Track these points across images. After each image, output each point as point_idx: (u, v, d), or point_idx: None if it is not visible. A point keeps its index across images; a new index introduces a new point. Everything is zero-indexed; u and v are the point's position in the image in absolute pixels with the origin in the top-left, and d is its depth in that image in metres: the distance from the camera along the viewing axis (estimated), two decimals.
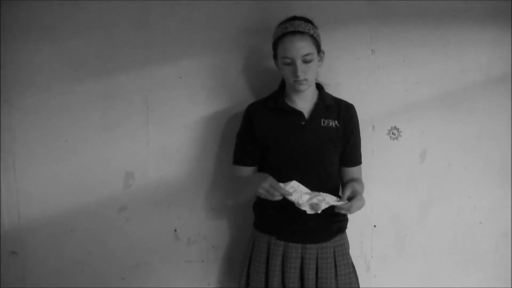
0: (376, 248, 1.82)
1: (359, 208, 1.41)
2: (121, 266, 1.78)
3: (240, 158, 1.59)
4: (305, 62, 1.43)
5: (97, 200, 1.74)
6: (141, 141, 1.73)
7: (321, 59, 1.51)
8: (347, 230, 1.61)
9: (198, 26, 1.71)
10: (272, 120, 1.52)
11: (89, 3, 1.68)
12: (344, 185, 1.55)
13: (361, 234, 1.81)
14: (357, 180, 1.59)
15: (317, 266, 1.50)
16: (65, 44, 1.69)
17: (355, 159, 1.59)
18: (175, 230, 1.77)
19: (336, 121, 1.52)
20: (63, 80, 1.70)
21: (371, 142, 1.77)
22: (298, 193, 1.38)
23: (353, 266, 1.59)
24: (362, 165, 1.64)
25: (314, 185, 1.43)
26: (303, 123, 1.51)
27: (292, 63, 1.44)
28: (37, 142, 1.72)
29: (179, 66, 1.71)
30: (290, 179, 1.40)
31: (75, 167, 1.73)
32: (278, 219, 1.51)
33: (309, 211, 1.39)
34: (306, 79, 1.45)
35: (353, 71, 1.75)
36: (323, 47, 1.53)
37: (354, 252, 1.71)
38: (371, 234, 1.82)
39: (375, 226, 1.82)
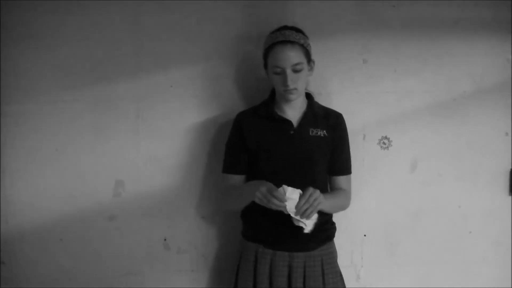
0: (366, 257, 1.82)
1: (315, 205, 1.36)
2: (111, 275, 1.76)
3: (230, 166, 1.59)
4: (295, 71, 1.43)
5: (86, 209, 1.73)
6: (132, 150, 1.72)
7: (311, 68, 1.51)
8: (337, 240, 1.61)
9: (190, 34, 1.70)
10: (262, 128, 1.52)
11: (81, 12, 1.67)
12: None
13: (351, 244, 1.81)
14: (343, 190, 1.59)
15: (304, 275, 1.50)
16: (56, 52, 1.68)
17: (344, 168, 1.59)
18: (165, 239, 1.76)
19: (324, 131, 1.53)
20: (53, 88, 1.69)
21: (361, 152, 1.77)
22: (291, 202, 1.36)
23: (340, 275, 1.59)
24: (352, 174, 1.64)
25: None
26: (291, 132, 1.51)
27: (282, 73, 1.44)
28: (27, 150, 1.71)
29: (170, 74, 1.71)
30: (279, 187, 1.38)
31: (65, 175, 1.72)
32: (266, 227, 1.50)
33: (299, 223, 1.38)
34: (295, 88, 1.45)
35: (345, 80, 1.76)
36: (315, 56, 1.53)
37: (344, 262, 1.72)
38: (361, 243, 1.82)
39: (365, 235, 1.81)
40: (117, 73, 1.69)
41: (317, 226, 1.47)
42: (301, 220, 1.36)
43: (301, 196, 1.35)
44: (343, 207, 1.61)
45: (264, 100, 1.60)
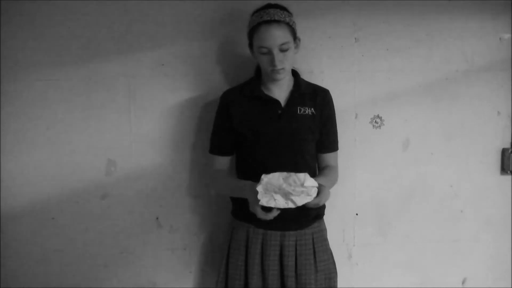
0: (358, 236, 1.83)
1: (326, 200, 1.41)
2: (103, 253, 1.77)
3: (216, 147, 1.58)
4: (282, 51, 1.43)
5: (78, 188, 1.74)
6: (123, 129, 1.72)
7: (297, 46, 1.50)
8: (329, 218, 1.62)
9: (179, 14, 1.69)
10: (249, 108, 1.52)
11: None
12: (320, 171, 1.55)
13: (343, 223, 1.82)
14: (332, 168, 1.59)
15: (296, 253, 1.50)
16: (46, 30, 1.67)
17: (331, 145, 1.59)
18: (157, 218, 1.77)
19: (312, 109, 1.52)
20: (44, 67, 1.69)
21: (353, 131, 1.77)
22: (269, 197, 1.33)
23: (331, 253, 1.60)
24: (344, 153, 1.65)
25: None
26: (279, 111, 1.50)
27: (269, 53, 1.43)
28: (18, 129, 1.70)
29: (160, 53, 1.70)
30: (267, 167, 1.37)
31: (56, 154, 1.72)
32: None
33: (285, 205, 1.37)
34: (283, 68, 1.44)
35: (337, 59, 1.75)
36: (306, 35, 1.54)
37: (336, 241, 1.73)
38: (353, 222, 1.82)
39: (357, 214, 1.82)
40: (108, 52, 1.69)
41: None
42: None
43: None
44: (335, 183, 1.61)
45: (250, 78, 1.59)
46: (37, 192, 1.73)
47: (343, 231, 1.82)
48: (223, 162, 1.58)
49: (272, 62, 1.42)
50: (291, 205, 1.34)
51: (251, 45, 1.50)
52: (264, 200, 1.32)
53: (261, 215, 1.36)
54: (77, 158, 1.72)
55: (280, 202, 1.33)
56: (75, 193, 1.74)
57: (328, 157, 1.59)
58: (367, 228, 1.83)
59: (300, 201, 1.33)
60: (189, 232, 1.79)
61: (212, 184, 1.70)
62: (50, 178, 1.72)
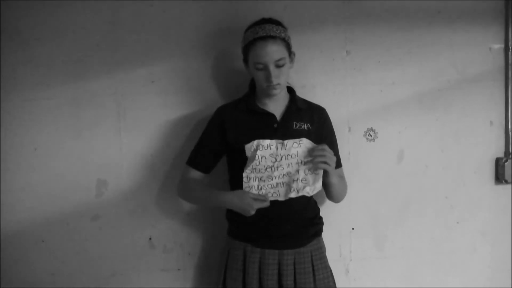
0: (355, 251, 1.80)
1: (332, 160, 1.39)
2: (96, 276, 1.73)
3: (195, 160, 1.56)
4: (278, 66, 1.42)
5: (69, 210, 1.70)
6: (114, 148, 1.70)
7: (292, 60, 1.49)
8: (325, 233, 1.60)
9: (170, 29, 1.68)
10: (244, 123, 1.50)
11: (57, 9, 1.64)
12: (331, 192, 1.54)
13: (339, 237, 1.79)
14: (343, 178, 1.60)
15: (295, 272, 1.47)
16: (31, 48, 1.65)
17: (336, 162, 1.55)
18: (150, 238, 1.74)
19: (308, 124, 1.51)
20: (30, 86, 1.66)
21: (347, 144, 1.76)
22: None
23: (330, 270, 1.57)
24: None
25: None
26: (275, 125, 1.49)
27: (265, 68, 1.42)
28: (5, 150, 1.67)
29: (151, 70, 1.69)
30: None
31: (45, 175, 1.68)
32: (253, 224, 1.48)
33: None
34: (279, 83, 1.43)
35: (329, 72, 1.74)
36: (298, 49, 1.52)
37: (333, 256, 1.70)
38: (349, 236, 1.80)
39: (353, 228, 1.80)
40: (96, 69, 1.67)
41: (305, 221, 1.49)
42: (305, 180, 1.36)
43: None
44: (344, 191, 1.59)
45: (245, 94, 1.57)
46: (25, 213, 1.69)
47: (340, 246, 1.80)
48: (197, 177, 1.56)
49: (268, 78, 1.41)
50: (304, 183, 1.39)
51: (245, 60, 1.49)
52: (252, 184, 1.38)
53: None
54: (66, 179, 1.69)
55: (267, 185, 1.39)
56: (65, 214, 1.70)
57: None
58: (364, 242, 1.81)
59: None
60: (183, 252, 1.75)
61: (182, 192, 1.63)
62: (39, 200, 1.69)
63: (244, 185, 1.39)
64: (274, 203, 1.43)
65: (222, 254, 1.59)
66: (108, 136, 1.69)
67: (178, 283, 1.76)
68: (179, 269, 1.75)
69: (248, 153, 1.39)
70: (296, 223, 1.48)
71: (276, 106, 1.52)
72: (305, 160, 1.38)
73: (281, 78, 1.43)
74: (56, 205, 1.69)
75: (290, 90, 1.58)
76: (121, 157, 1.70)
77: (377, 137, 1.77)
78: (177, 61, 1.69)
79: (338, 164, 1.58)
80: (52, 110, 1.67)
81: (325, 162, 1.38)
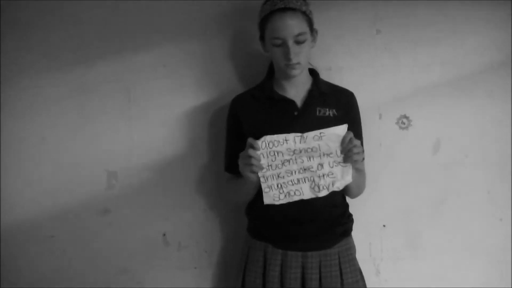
0: (386, 250, 1.67)
1: (362, 156, 1.26)
2: (106, 274, 1.64)
3: (231, 165, 1.42)
4: (298, 43, 1.29)
5: (77, 203, 1.62)
6: (124, 138, 1.60)
7: (314, 39, 1.36)
8: (354, 232, 1.47)
9: (181, 8, 1.57)
10: (261, 112, 1.37)
11: None
12: (346, 187, 1.37)
13: (369, 235, 1.66)
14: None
15: (320, 276, 1.34)
16: (36, 35, 1.57)
17: None
18: (164, 235, 1.64)
19: (334, 110, 1.37)
20: (36, 73, 1.58)
21: (377, 133, 1.62)
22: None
23: (360, 273, 1.43)
24: (368, 158, 1.48)
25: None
26: (295, 113, 1.35)
27: (283, 44, 1.29)
28: (11, 140, 1.59)
29: (162, 53, 1.58)
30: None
31: (52, 167, 1.60)
32: (275, 224, 1.36)
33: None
34: (299, 63, 1.30)
35: (357, 53, 1.61)
36: (322, 27, 1.40)
37: (362, 256, 1.55)
38: (380, 234, 1.66)
39: (384, 225, 1.67)
40: (102, 54, 1.57)
41: (332, 220, 1.36)
42: (331, 174, 1.25)
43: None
44: (362, 185, 1.46)
45: (262, 80, 1.45)
46: (33, 207, 1.61)
47: (370, 245, 1.66)
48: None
49: (286, 55, 1.28)
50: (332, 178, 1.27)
51: (262, 37, 1.37)
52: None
53: (246, 166, 1.25)
54: (75, 171, 1.60)
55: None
56: (74, 208, 1.62)
57: None
58: (396, 240, 1.67)
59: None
60: (199, 250, 1.65)
61: (227, 196, 1.57)
62: (47, 193, 1.61)
63: (263, 185, 1.26)
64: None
65: (241, 253, 1.47)
66: (118, 125, 1.60)
67: (194, 282, 1.66)
68: (195, 268, 1.65)
69: (260, 150, 1.25)
70: (321, 223, 1.35)
71: (297, 91, 1.39)
72: (328, 152, 1.24)
73: (301, 57, 1.30)
74: (64, 198, 1.61)
75: (313, 73, 1.45)
76: (132, 147, 1.60)
77: (411, 125, 1.63)
78: (189, 42, 1.58)
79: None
80: (59, 98, 1.58)
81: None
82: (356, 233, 1.48)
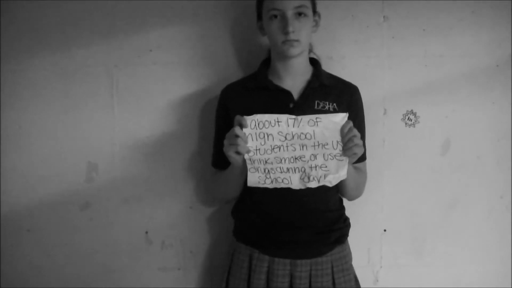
0: (386, 256, 1.55)
1: (361, 149, 1.13)
2: (85, 272, 1.55)
3: (218, 160, 1.32)
4: (298, 15, 1.18)
5: (56, 196, 1.52)
6: (106, 127, 1.50)
7: (316, 23, 1.26)
8: (351, 236, 1.36)
9: None
10: (252, 103, 1.25)
11: None
12: (342, 186, 1.26)
13: (369, 240, 1.54)
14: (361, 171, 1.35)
15: (310, 286, 1.22)
16: (14, 14, 1.45)
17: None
18: (147, 232, 1.54)
19: (335, 104, 1.25)
20: (14, 56, 1.47)
21: (382, 130, 1.51)
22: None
23: (356, 281, 1.32)
24: (370, 157, 1.38)
25: (303, 189, 1.17)
26: (291, 105, 1.23)
27: (282, 17, 1.18)
28: None
29: (149, 37, 1.47)
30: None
31: (30, 157, 1.50)
32: (262, 227, 1.25)
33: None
34: (298, 40, 1.19)
35: (362, 42, 1.49)
36: (324, 12, 1.30)
37: (359, 262, 1.46)
38: (380, 239, 1.55)
39: (385, 230, 1.55)
40: (86, 36, 1.46)
41: (327, 225, 1.25)
42: (325, 167, 1.14)
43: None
44: (361, 187, 1.35)
45: (257, 69, 1.34)
46: (9, 200, 1.52)
47: (368, 251, 1.55)
48: None
49: (284, 28, 1.17)
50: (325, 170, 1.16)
51: (260, 16, 1.26)
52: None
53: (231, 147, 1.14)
54: (53, 162, 1.50)
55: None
56: (51, 201, 1.52)
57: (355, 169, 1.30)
58: (398, 246, 1.56)
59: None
60: (184, 250, 1.55)
61: (215, 192, 1.46)
62: (23, 185, 1.51)
63: (248, 166, 1.15)
64: (285, 201, 1.21)
65: (226, 257, 1.37)
66: (100, 113, 1.49)
67: (178, 284, 1.55)
68: (179, 269, 1.55)
69: (249, 130, 1.13)
70: (314, 228, 1.23)
71: (295, 81, 1.27)
72: (324, 143, 1.13)
73: (302, 34, 1.19)
74: (42, 190, 1.51)
75: (314, 62, 1.33)
76: (114, 138, 1.50)
77: (419, 121, 1.52)
78: (179, 26, 1.47)
79: (362, 157, 1.32)
80: (36, 83, 1.47)
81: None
82: (354, 238, 1.37)
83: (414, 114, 1.51)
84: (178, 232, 1.54)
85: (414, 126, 1.51)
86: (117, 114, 1.49)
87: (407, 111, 1.51)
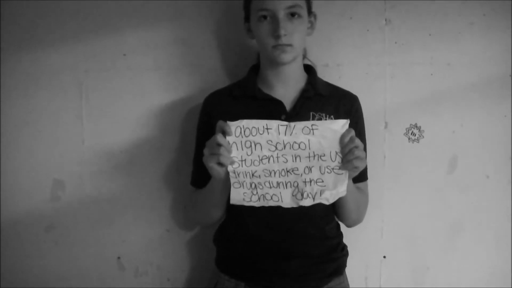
0: (386, 285, 1.44)
1: (363, 162, 1.01)
2: None
3: (198, 178, 1.21)
4: (291, 16, 1.08)
5: (17, 216, 1.39)
6: (74, 140, 1.38)
7: (311, 25, 1.17)
8: (347, 264, 1.24)
9: None
10: (239, 114, 1.10)
11: None
12: (340, 207, 1.15)
13: (366, 268, 1.43)
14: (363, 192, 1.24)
15: None
16: None
17: (360, 173, 1.15)
18: (119, 258, 1.41)
19: (332, 116, 1.14)
20: None
21: (382, 145, 1.41)
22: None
23: None
24: (370, 175, 1.27)
25: (296, 212, 1.05)
26: (282, 117, 1.12)
27: (272, 18, 1.07)
28: None
29: (122, 39, 1.36)
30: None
31: None
32: (248, 256, 1.13)
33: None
34: (291, 44, 1.08)
35: (361, 47, 1.39)
36: (320, 14, 1.20)
37: None
38: (379, 267, 1.43)
39: (384, 257, 1.44)
40: (52, 39, 1.34)
41: (322, 255, 1.14)
42: (321, 182, 1.03)
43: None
44: (361, 209, 1.24)
45: (245, 76, 1.23)
46: None
47: (366, 280, 1.43)
48: None
49: (275, 29, 1.06)
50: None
51: (247, 18, 1.15)
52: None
53: (212, 157, 1.02)
54: (14, 178, 1.37)
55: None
56: (13, 222, 1.39)
57: None
58: (398, 274, 1.45)
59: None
60: (160, 277, 1.42)
61: (194, 216, 1.33)
62: None
63: (232, 180, 1.02)
64: (275, 224, 1.10)
65: (210, 279, 1.28)
66: (67, 125, 1.37)
67: None
68: None
69: (233, 137, 1.02)
70: (309, 259, 1.12)
71: (287, 89, 1.16)
72: (320, 153, 1.01)
73: (295, 38, 1.08)
74: (2, 210, 1.38)
75: (309, 69, 1.23)
76: (83, 152, 1.37)
77: (423, 136, 1.41)
78: (157, 28, 1.35)
79: (363, 177, 1.21)
80: None
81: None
82: (350, 266, 1.26)
83: (418, 128, 1.42)
84: (154, 257, 1.42)
85: (418, 142, 1.42)
86: (86, 125, 1.37)
87: (410, 125, 1.42)
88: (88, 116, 1.36)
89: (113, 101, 1.36)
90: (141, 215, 1.40)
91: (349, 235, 1.27)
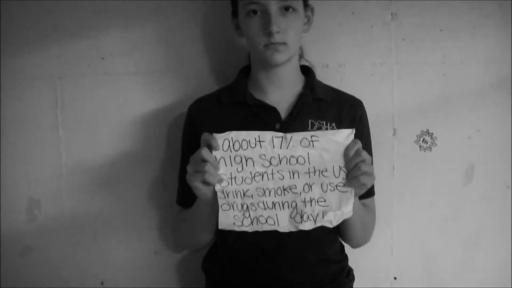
0: None
1: (371, 179, 0.92)
2: None
3: (183, 197, 1.12)
4: (285, 10, 0.99)
5: None
6: (49, 153, 1.29)
7: (308, 20, 1.08)
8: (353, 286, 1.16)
9: None
10: (228, 122, 1.03)
11: None
12: (345, 228, 1.05)
13: None
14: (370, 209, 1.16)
15: None
16: None
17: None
18: (102, 283, 1.32)
19: (334, 124, 1.05)
20: None
21: (391, 154, 1.33)
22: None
23: None
24: (377, 187, 1.18)
25: (295, 235, 0.95)
26: (277, 126, 1.03)
27: (263, 13, 0.99)
28: None
29: (100, 42, 1.27)
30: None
31: None
32: (241, 285, 1.04)
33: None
34: (285, 43, 0.99)
35: (365, 45, 1.31)
36: (318, 9, 1.14)
37: None
38: None
39: (395, 278, 1.35)
40: (25, 41, 1.26)
41: (324, 283, 1.05)
42: (323, 201, 0.93)
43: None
44: (370, 230, 1.16)
45: (234, 79, 1.14)
46: None
47: None
48: None
49: (266, 26, 0.98)
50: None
51: (235, 12, 1.07)
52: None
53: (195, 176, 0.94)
54: None
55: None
56: None
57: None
58: None
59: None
60: None
61: (179, 239, 1.24)
62: None
63: (220, 201, 0.93)
64: (271, 250, 1.00)
65: None
66: (42, 136, 1.28)
67: None
68: None
69: (221, 152, 0.93)
70: (310, 285, 1.03)
71: (282, 94, 1.08)
72: (322, 169, 0.93)
73: (290, 35, 0.99)
74: None
75: (306, 71, 1.14)
76: (60, 167, 1.28)
77: (436, 144, 1.33)
78: (139, 29, 1.26)
79: (370, 192, 1.12)
80: None
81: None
82: (357, 286, 1.18)
83: (430, 135, 1.34)
84: (140, 282, 1.33)
85: (431, 150, 1.34)
86: (62, 137, 1.27)
87: (421, 131, 1.34)
88: (65, 127, 1.27)
89: (91, 110, 1.27)
90: (125, 235, 1.30)
91: (355, 255, 1.19)
